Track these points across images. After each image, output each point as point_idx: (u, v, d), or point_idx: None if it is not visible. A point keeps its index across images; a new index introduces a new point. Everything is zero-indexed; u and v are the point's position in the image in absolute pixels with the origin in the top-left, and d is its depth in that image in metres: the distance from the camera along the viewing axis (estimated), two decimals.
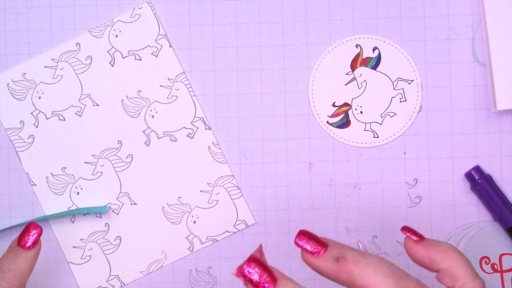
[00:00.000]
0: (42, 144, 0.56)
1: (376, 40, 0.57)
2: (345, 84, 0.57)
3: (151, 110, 0.56)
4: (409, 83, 0.57)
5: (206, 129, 0.56)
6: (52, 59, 0.57)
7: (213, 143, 0.56)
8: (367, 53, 0.57)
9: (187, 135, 0.55)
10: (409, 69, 0.57)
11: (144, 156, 0.56)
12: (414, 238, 0.43)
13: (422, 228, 0.56)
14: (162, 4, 0.58)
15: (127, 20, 0.56)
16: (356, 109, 0.57)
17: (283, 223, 0.57)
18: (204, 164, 0.56)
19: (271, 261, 0.57)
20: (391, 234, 0.57)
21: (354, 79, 0.57)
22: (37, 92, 0.56)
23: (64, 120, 0.56)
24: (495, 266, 0.56)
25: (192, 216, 0.55)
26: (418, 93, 0.57)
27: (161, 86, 0.56)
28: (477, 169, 0.56)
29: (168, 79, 0.56)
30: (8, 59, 0.58)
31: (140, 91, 0.56)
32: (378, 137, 0.57)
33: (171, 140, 0.55)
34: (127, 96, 0.56)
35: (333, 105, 0.57)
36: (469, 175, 0.56)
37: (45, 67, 0.57)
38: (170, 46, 0.56)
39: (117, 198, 0.56)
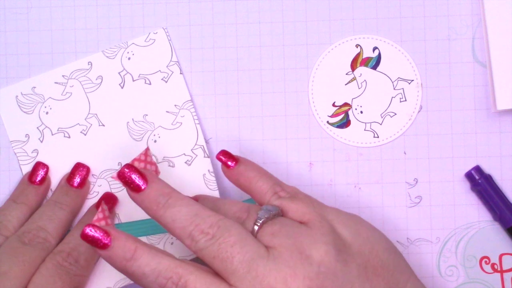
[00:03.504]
0: (45, 159, 0.56)
1: (376, 40, 0.57)
2: (345, 84, 0.57)
3: (154, 135, 0.55)
4: (409, 83, 0.57)
5: (204, 157, 0.55)
6: (62, 75, 0.57)
7: (208, 171, 0.55)
8: (367, 53, 0.57)
9: (185, 162, 0.55)
10: (409, 69, 0.57)
11: None
12: (229, 163, 0.51)
13: (422, 228, 0.56)
14: (162, 4, 0.58)
15: (141, 44, 0.56)
16: (356, 109, 0.57)
17: None
18: (196, 191, 0.55)
19: None
20: (391, 234, 0.56)
21: (354, 79, 0.57)
22: (45, 107, 0.56)
23: (69, 137, 0.56)
24: (495, 266, 0.56)
25: None
26: (418, 93, 0.57)
27: (167, 112, 0.56)
28: (477, 169, 0.56)
29: (175, 105, 0.55)
30: (8, 59, 0.58)
31: (146, 115, 0.56)
32: (378, 137, 0.57)
33: (169, 165, 0.55)
34: (133, 119, 0.56)
35: (333, 105, 0.57)
36: (469, 175, 0.56)
37: (55, 83, 0.56)
38: (181, 73, 0.56)
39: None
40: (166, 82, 0.55)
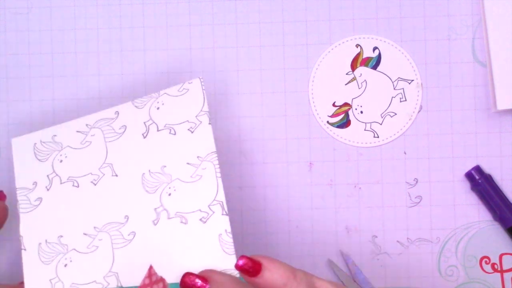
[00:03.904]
0: (47, 209, 0.52)
1: (376, 40, 0.57)
2: (345, 84, 0.57)
3: (169, 188, 0.50)
4: (409, 83, 0.57)
5: (222, 214, 0.49)
6: (86, 124, 0.53)
7: (225, 231, 0.49)
8: (367, 53, 0.57)
9: (200, 219, 0.49)
10: (409, 69, 0.57)
11: (148, 236, 0.50)
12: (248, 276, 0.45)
13: (422, 228, 0.56)
14: (162, 4, 0.58)
15: (174, 93, 0.52)
16: (356, 109, 0.57)
17: (283, 223, 0.57)
18: (209, 254, 0.49)
19: None
20: (391, 234, 0.57)
21: (354, 79, 0.57)
22: (61, 155, 0.53)
23: (78, 187, 0.52)
24: (495, 266, 0.56)
25: None
26: (418, 93, 0.57)
27: (188, 163, 0.50)
28: (477, 169, 0.56)
29: (198, 157, 0.50)
30: (8, 59, 0.58)
31: (165, 166, 0.51)
32: (378, 137, 0.57)
33: (181, 222, 0.49)
34: (149, 171, 0.51)
35: (333, 105, 0.57)
36: (469, 175, 0.56)
37: (77, 131, 0.53)
38: (210, 123, 0.50)
39: (104, 277, 0.50)
40: (192, 132, 0.51)
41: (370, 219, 0.57)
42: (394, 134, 0.57)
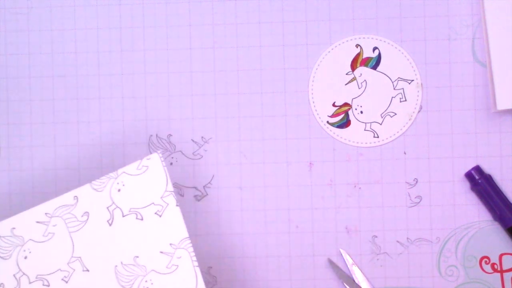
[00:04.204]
0: None
1: (376, 40, 0.57)
2: (345, 84, 0.57)
3: (146, 281, 0.48)
4: (409, 83, 0.57)
5: None
6: (45, 213, 0.50)
7: None
8: (367, 53, 0.57)
9: None
10: (409, 69, 0.57)
11: None
12: None
13: (422, 228, 0.56)
14: (162, 4, 0.58)
15: (133, 172, 0.49)
16: (356, 109, 0.57)
17: (283, 223, 0.57)
18: None
19: (271, 262, 0.57)
20: (391, 234, 0.57)
21: (354, 79, 0.57)
22: (24, 251, 0.49)
23: (49, 286, 0.49)
24: (495, 266, 0.56)
25: None
26: (418, 93, 0.57)
27: (161, 252, 0.48)
28: (477, 169, 0.56)
29: (170, 244, 0.48)
30: (8, 59, 0.58)
31: (137, 257, 0.48)
32: (378, 137, 0.57)
33: None
34: (121, 263, 0.48)
35: (333, 105, 0.57)
36: (469, 175, 0.56)
37: (37, 222, 0.50)
38: (177, 205, 0.48)
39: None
40: (160, 216, 0.48)
41: (370, 219, 0.57)
42: (394, 134, 0.57)
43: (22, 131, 0.58)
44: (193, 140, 0.58)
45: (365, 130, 0.57)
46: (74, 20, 0.58)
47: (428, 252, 0.56)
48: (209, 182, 0.58)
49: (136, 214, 0.48)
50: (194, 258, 0.47)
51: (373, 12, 0.57)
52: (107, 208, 0.49)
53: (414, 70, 0.57)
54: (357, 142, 0.57)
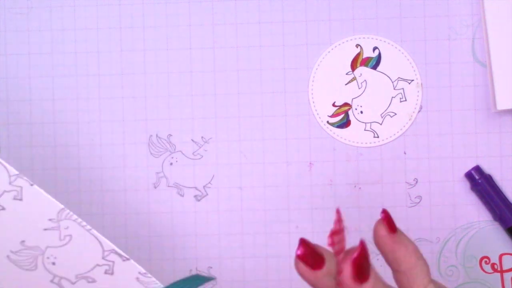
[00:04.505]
0: None
1: (376, 40, 0.57)
2: (345, 84, 0.57)
3: (48, 258, 0.45)
4: (409, 83, 0.57)
5: (123, 260, 0.45)
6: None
7: (139, 273, 0.45)
8: (367, 53, 0.57)
9: (105, 272, 0.45)
10: (409, 69, 0.57)
11: None
12: (388, 228, 0.43)
13: (422, 228, 0.56)
14: (162, 4, 0.58)
15: None
16: (356, 109, 0.57)
17: (283, 223, 0.57)
18: None
19: (271, 262, 0.57)
20: None
21: (354, 79, 0.57)
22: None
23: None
24: (495, 266, 0.56)
25: None
26: (418, 93, 0.57)
27: (45, 230, 0.45)
28: (477, 169, 0.56)
29: (50, 220, 0.45)
30: (8, 59, 0.58)
31: (24, 241, 0.45)
32: (378, 137, 0.57)
33: (88, 281, 0.45)
34: (11, 251, 0.45)
35: (333, 105, 0.57)
36: (469, 175, 0.56)
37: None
38: (32, 184, 0.44)
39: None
40: (21, 200, 0.44)
41: (370, 219, 0.57)
42: (394, 134, 0.57)
43: (22, 131, 0.58)
44: (193, 140, 0.58)
45: (365, 130, 0.57)
46: (74, 20, 0.58)
47: (428, 252, 0.56)
48: (209, 182, 0.58)
49: None
50: (84, 223, 0.44)
51: (373, 12, 0.57)
52: None
53: (414, 70, 0.57)
54: (357, 142, 0.57)
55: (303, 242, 0.40)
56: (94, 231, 0.44)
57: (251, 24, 0.58)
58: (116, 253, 0.45)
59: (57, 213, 0.44)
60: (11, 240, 0.45)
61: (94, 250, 0.45)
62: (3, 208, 0.44)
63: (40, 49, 0.58)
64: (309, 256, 0.40)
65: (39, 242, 0.45)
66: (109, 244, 0.44)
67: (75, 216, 0.44)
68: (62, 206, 0.44)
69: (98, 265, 0.45)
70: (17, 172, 0.43)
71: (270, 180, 0.57)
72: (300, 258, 0.39)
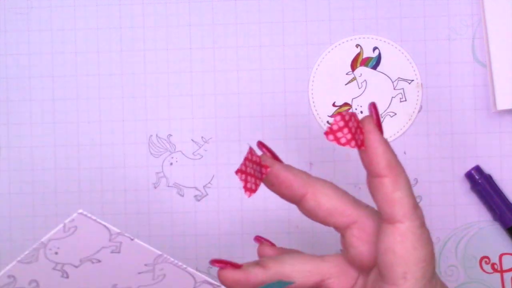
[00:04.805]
0: None
1: (376, 40, 0.57)
2: (345, 84, 0.57)
3: None
4: (409, 83, 0.57)
5: None
6: None
7: None
8: (367, 53, 0.57)
9: None
10: (409, 69, 0.57)
11: None
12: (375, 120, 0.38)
13: None
14: (162, 4, 0.58)
15: (61, 236, 0.43)
16: (356, 109, 0.57)
17: (283, 223, 0.57)
18: None
19: None
20: None
21: (354, 79, 0.57)
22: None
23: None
24: (495, 266, 0.56)
25: None
26: (418, 93, 0.57)
27: (139, 273, 0.44)
28: (477, 169, 0.56)
29: (145, 265, 0.44)
30: (8, 59, 0.58)
31: (116, 284, 0.44)
32: None
33: None
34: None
35: (333, 105, 0.57)
36: (469, 175, 0.56)
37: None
38: (132, 239, 0.43)
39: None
40: (119, 252, 0.43)
41: None
42: (394, 134, 0.57)
43: (22, 131, 0.58)
44: (193, 140, 0.58)
45: None
46: (74, 20, 0.58)
47: None
48: (209, 182, 0.58)
49: (90, 260, 0.43)
50: (180, 264, 0.44)
51: (373, 12, 0.57)
52: (53, 268, 0.43)
53: (414, 70, 0.57)
54: None
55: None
56: (190, 269, 0.44)
57: (251, 24, 0.58)
58: (209, 282, 0.44)
59: (153, 259, 0.44)
60: (103, 284, 0.45)
61: (187, 284, 0.45)
62: (99, 261, 0.44)
63: (40, 49, 0.58)
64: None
65: (131, 283, 0.45)
66: (200, 276, 0.44)
67: (171, 259, 0.44)
68: (160, 253, 0.43)
69: None
70: (118, 231, 0.43)
71: None
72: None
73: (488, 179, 0.56)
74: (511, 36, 0.55)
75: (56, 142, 0.58)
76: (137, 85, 0.58)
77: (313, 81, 0.57)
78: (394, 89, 0.57)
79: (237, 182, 0.57)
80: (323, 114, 0.57)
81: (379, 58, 0.57)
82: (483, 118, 0.57)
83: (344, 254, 0.42)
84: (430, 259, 0.37)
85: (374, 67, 0.57)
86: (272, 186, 0.41)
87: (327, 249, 0.57)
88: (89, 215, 0.41)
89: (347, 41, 0.57)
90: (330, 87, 0.57)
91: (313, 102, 0.57)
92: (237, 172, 0.39)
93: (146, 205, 0.58)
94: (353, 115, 0.37)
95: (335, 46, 0.57)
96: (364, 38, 0.57)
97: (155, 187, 0.58)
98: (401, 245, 0.36)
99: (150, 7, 0.58)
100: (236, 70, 0.58)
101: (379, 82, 0.57)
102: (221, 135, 0.57)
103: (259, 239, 0.45)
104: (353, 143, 0.37)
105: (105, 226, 0.42)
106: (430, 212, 0.57)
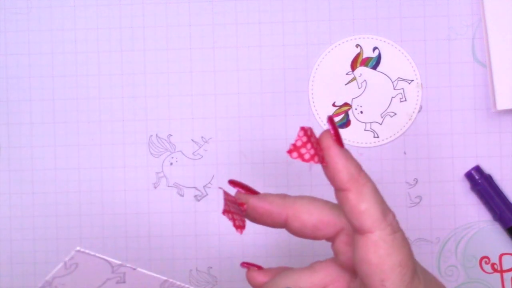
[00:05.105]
0: None
1: (376, 40, 0.57)
2: (345, 84, 0.57)
3: None
4: (409, 83, 0.57)
5: None
6: None
7: None
8: (367, 53, 0.57)
9: None
10: (409, 69, 0.57)
11: None
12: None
13: (422, 228, 0.56)
14: (162, 4, 0.58)
15: (64, 273, 0.42)
16: (356, 109, 0.57)
17: None
18: None
19: (271, 262, 0.57)
20: None
21: (354, 79, 0.57)
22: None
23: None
24: (495, 266, 0.56)
25: None
26: (418, 93, 0.57)
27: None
28: (477, 169, 0.56)
29: None
30: (8, 59, 0.58)
31: None
32: (378, 137, 0.57)
33: None
34: None
35: (333, 105, 0.57)
36: (469, 175, 0.56)
37: None
38: (135, 269, 0.42)
39: None
40: (124, 282, 0.43)
41: None
42: (394, 134, 0.57)
43: (22, 131, 0.58)
44: (193, 140, 0.58)
45: (365, 130, 0.57)
46: (74, 20, 0.58)
47: (428, 252, 0.56)
48: (209, 182, 0.58)
49: None
50: (186, 286, 0.44)
51: (373, 12, 0.57)
52: None
53: (414, 70, 0.57)
54: (357, 142, 0.57)
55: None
56: None
57: (251, 24, 0.58)
58: None
59: (159, 285, 0.44)
60: None
61: None
62: None
63: (40, 49, 0.58)
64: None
65: None
66: None
67: (177, 283, 0.44)
68: (165, 278, 0.44)
69: None
70: (119, 262, 0.42)
71: (270, 180, 0.57)
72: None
73: (488, 179, 0.56)
74: (511, 36, 0.55)
75: (56, 142, 0.58)
76: (137, 85, 0.58)
77: (313, 81, 0.57)
78: (394, 89, 0.57)
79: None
80: (323, 114, 0.57)
81: (379, 58, 0.57)
82: (483, 118, 0.57)
83: (335, 259, 0.42)
84: (407, 262, 0.37)
85: (374, 67, 0.57)
86: (255, 220, 0.42)
87: (327, 248, 0.57)
88: (87, 251, 0.41)
89: (347, 41, 0.57)
90: (330, 87, 0.57)
91: (313, 102, 0.57)
92: (223, 212, 0.40)
93: (146, 205, 0.58)
94: (311, 130, 0.37)
95: (335, 46, 0.57)
96: (364, 38, 0.57)
97: (155, 187, 0.58)
98: (374, 254, 0.36)
99: (150, 7, 0.58)
100: (236, 70, 0.58)
101: (379, 82, 0.57)
102: (221, 135, 0.57)
103: (246, 265, 0.44)
104: (316, 158, 0.37)
105: (105, 259, 0.42)
106: (430, 212, 0.57)
